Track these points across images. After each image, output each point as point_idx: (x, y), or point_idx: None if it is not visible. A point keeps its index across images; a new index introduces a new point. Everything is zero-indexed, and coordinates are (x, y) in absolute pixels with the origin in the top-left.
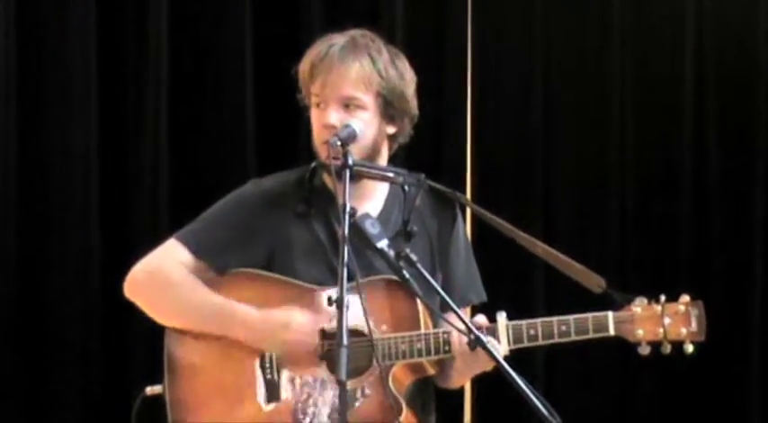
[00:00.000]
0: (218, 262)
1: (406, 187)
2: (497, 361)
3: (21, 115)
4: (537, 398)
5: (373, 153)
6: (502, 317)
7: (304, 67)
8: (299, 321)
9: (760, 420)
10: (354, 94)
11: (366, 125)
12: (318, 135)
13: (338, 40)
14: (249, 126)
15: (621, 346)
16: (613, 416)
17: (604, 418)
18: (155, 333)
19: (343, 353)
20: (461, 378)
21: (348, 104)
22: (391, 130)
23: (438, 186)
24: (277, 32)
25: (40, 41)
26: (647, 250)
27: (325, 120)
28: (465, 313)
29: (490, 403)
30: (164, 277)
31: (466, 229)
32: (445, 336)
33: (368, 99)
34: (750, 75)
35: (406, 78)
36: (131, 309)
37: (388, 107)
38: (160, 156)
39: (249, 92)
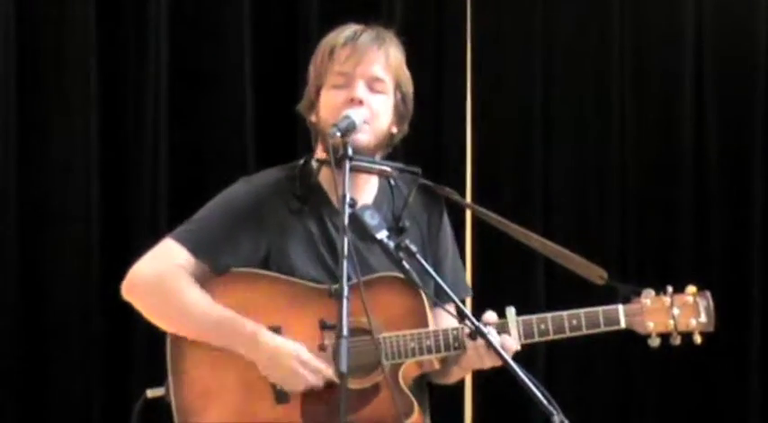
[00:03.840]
0: (217, 262)
1: (392, 182)
2: (497, 352)
3: (20, 113)
4: (538, 388)
5: (380, 143)
6: (511, 312)
7: (330, 45)
8: (304, 358)
9: (761, 406)
10: (383, 76)
11: (385, 110)
12: (335, 113)
13: (364, 28)
14: (248, 119)
15: (621, 337)
16: (613, 406)
17: (605, 409)
18: (155, 334)
19: (344, 344)
20: (463, 373)
21: (374, 87)
22: (394, 129)
23: (430, 183)
24: (275, 26)
25: (40, 37)
26: (647, 243)
27: (353, 93)
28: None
29: (490, 402)
30: (166, 284)
31: (450, 224)
32: (455, 332)
33: (391, 87)
34: (749, 64)
35: (412, 85)
36: (131, 309)
37: (402, 104)
38: (159, 150)
39: (248, 85)
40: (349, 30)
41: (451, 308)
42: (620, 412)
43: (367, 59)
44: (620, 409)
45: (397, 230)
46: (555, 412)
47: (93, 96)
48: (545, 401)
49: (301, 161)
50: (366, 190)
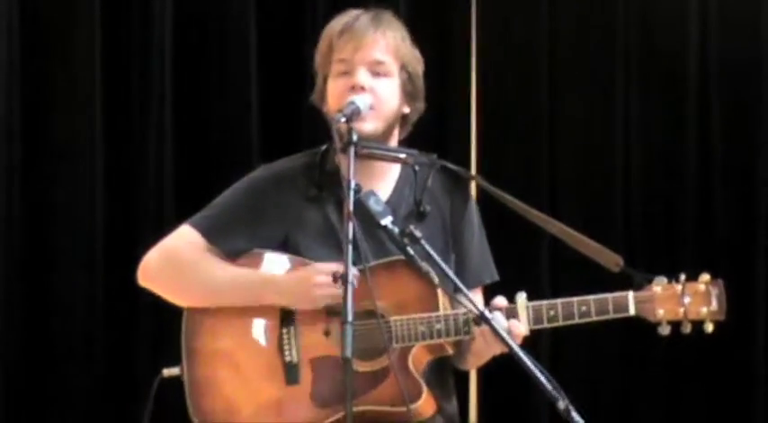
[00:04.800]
0: (229, 246)
1: (417, 167)
2: (502, 337)
3: (25, 104)
4: (543, 374)
5: (391, 127)
6: (522, 298)
7: (329, 34)
8: (322, 267)
9: (766, 395)
10: (385, 59)
11: (391, 93)
12: (339, 101)
13: (362, 12)
14: (253, 110)
15: (627, 321)
16: (619, 391)
17: (610, 394)
18: (160, 324)
19: (349, 330)
20: (479, 360)
21: (377, 70)
22: (406, 109)
23: (451, 166)
24: (281, 16)
25: (45, 29)
26: (652, 237)
27: (354, 81)
28: (478, 293)
29: (495, 387)
30: (180, 258)
31: (477, 209)
32: (465, 316)
33: (395, 68)
34: (754, 54)
35: (421, 61)
36: (135, 296)
37: (409, 83)
38: (164, 143)
39: (253, 75)
40: (346, 16)
41: (467, 296)
42: (625, 397)
43: (365, 44)
44: (625, 393)
45: (417, 215)
46: (560, 398)
47: (97, 88)
48: (550, 387)
49: (323, 148)
50: (387, 176)
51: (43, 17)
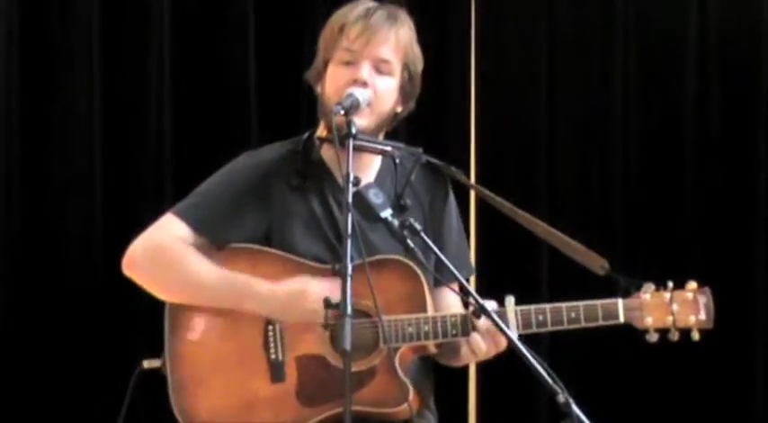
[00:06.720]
0: (218, 236)
1: (397, 160)
2: (503, 332)
3: (24, 77)
4: (543, 367)
5: (383, 124)
6: (510, 301)
7: (342, 20)
8: (315, 290)
9: (765, 398)
10: (391, 58)
11: (389, 92)
12: (339, 91)
13: (376, 5)
14: (252, 89)
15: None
16: (619, 385)
17: (609, 390)
18: (156, 307)
19: (347, 323)
20: (462, 361)
21: (381, 68)
22: (399, 108)
23: (436, 162)
24: (280, 3)
25: (45, 3)
26: (650, 227)
27: (357, 74)
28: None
29: (495, 380)
30: (166, 254)
31: (456, 205)
32: (453, 320)
33: (398, 67)
34: (753, 30)
35: (422, 61)
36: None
37: (408, 84)
38: (163, 122)
39: (251, 53)
40: (362, 7)
41: (455, 287)
42: (625, 391)
43: (376, 40)
44: (625, 388)
45: (398, 208)
46: (560, 391)
47: (96, 60)
48: (550, 380)
49: (305, 136)
50: (369, 167)
51: None
